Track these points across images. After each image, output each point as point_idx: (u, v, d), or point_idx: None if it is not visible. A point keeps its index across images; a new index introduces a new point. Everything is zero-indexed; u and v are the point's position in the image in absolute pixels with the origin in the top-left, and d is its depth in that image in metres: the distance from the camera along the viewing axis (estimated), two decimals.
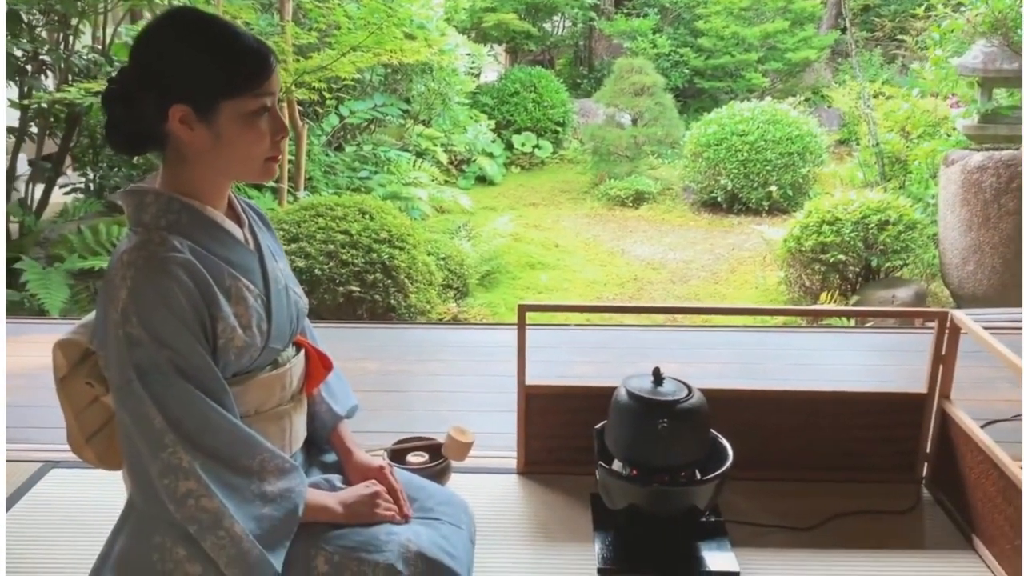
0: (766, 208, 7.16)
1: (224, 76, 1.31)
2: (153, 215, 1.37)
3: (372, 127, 7.53)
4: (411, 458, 2.07)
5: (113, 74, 1.36)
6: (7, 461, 2.22)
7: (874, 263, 5.03)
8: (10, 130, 5.05)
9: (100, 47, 5.48)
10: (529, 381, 2.13)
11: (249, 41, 1.34)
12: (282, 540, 1.43)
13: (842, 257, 4.98)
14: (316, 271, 4.30)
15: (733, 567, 1.80)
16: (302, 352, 1.63)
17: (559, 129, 9.17)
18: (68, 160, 5.55)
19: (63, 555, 1.84)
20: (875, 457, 2.14)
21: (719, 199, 7.28)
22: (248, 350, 1.45)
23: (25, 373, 2.89)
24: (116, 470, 1.53)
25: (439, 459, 2.05)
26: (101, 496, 2.04)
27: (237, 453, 1.39)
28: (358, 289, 4.33)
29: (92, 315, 1.48)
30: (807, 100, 9.36)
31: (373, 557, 1.50)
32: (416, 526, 1.62)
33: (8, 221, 4.98)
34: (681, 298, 5.53)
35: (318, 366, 1.67)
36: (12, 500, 2.05)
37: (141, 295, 1.31)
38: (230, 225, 1.46)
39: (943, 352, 2.05)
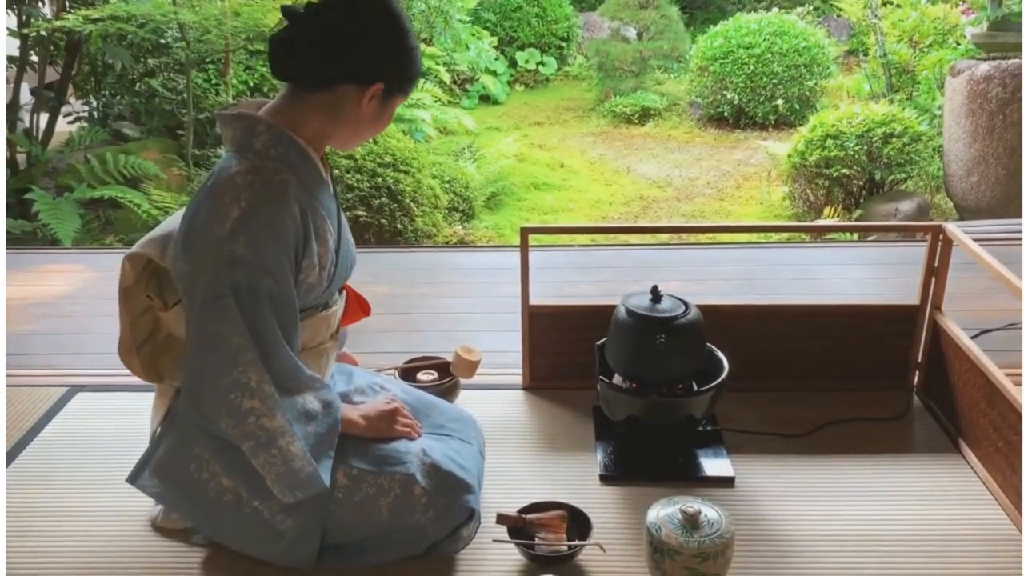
0: (772, 122, 7.10)
1: (412, 75, 1.48)
2: (264, 143, 1.42)
3: None
4: (421, 376, 2.15)
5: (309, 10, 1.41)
6: (34, 386, 2.32)
7: (878, 176, 5.02)
8: (10, 59, 5.03)
9: None
10: (533, 301, 2.19)
11: None
12: (327, 452, 1.51)
13: (846, 171, 4.97)
14: None
15: (728, 472, 1.89)
16: (344, 294, 1.72)
17: (563, 45, 9.02)
18: (71, 89, 5.53)
19: (91, 474, 1.94)
20: (868, 367, 2.21)
21: (725, 114, 7.22)
22: (314, 290, 1.52)
23: (45, 301, 2.98)
24: (157, 383, 1.61)
25: (448, 377, 2.14)
26: (125, 417, 2.14)
27: (288, 379, 1.46)
28: (364, 214, 4.38)
29: (159, 230, 1.52)
30: (816, 9, 9.14)
31: (393, 469, 1.59)
32: (429, 440, 1.71)
33: (15, 152, 5.01)
34: (687, 216, 5.56)
35: (355, 307, 1.76)
36: (41, 424, 2.14)
37: (254, 218, 1.37)
38: (323, 169, 1.53)
39: (936, 265, 2.10)
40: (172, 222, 1.53)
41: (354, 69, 1.42)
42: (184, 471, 1.53)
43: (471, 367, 2.09)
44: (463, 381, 2.16)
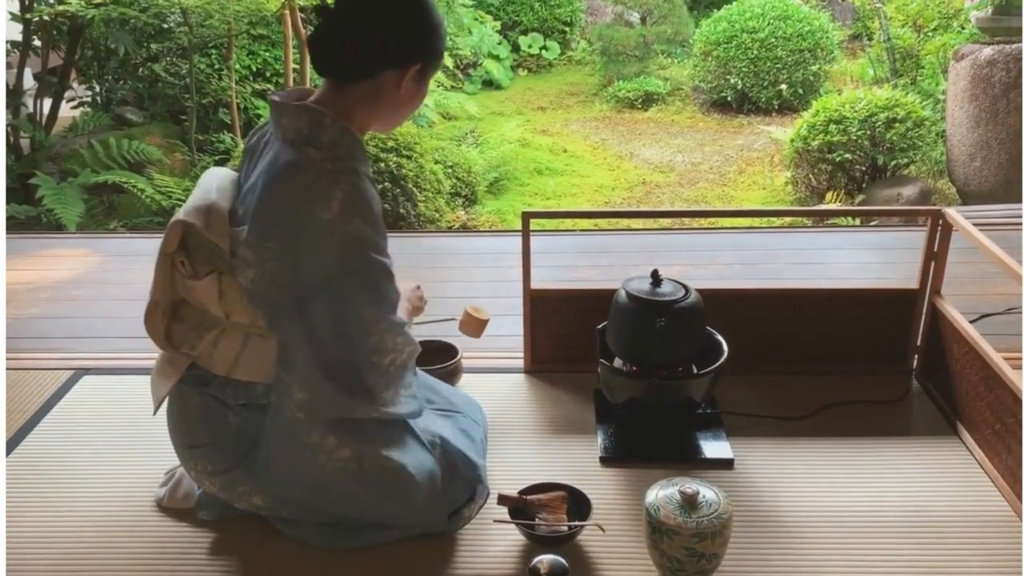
0: (776, 107, 7.09)
1: (442, 50, 1.52)
2: (331, 138, 1.47)
3: None
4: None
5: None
6: (40, 370, 2.34)
7: (881, 161, 5.02)
8: (13, 44, 5.03)
9: None
10: (535, 285, 2.20)
11: None
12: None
13: (848, 156, 4.97)
14: None
15: (728, 455, 1.91)
16: None
17: (567, 29, 8.99)
18: (73, 74, 5.54)
19: (97, 455, 1.97)
20: (867, 350, 2.22)
21: (729, 99, 7.20)
22: None
23: (51, 286, 3.00)
24: (172, 351, 1.60)
25: (449, 361, 2.15)
26: (130, 400, 2.16)
27: None
28: None
29: (199, 201, 1.53)
30: None
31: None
32: (438, 419, 1.74)
33: (19, 136, 5.02)
34: (689, 201, 5.56)
35: None
36: (47, 407, 2.16)
37: (360, 201, 1.44)
38: None
39: (935, 249, 2.11)
40: (207, 194, 1.53)
41: (393, 55, 1.46)
42: (301, 463, 1.55)
43: (480, 325, 2.08)
44: (466, 354, 2.17)
